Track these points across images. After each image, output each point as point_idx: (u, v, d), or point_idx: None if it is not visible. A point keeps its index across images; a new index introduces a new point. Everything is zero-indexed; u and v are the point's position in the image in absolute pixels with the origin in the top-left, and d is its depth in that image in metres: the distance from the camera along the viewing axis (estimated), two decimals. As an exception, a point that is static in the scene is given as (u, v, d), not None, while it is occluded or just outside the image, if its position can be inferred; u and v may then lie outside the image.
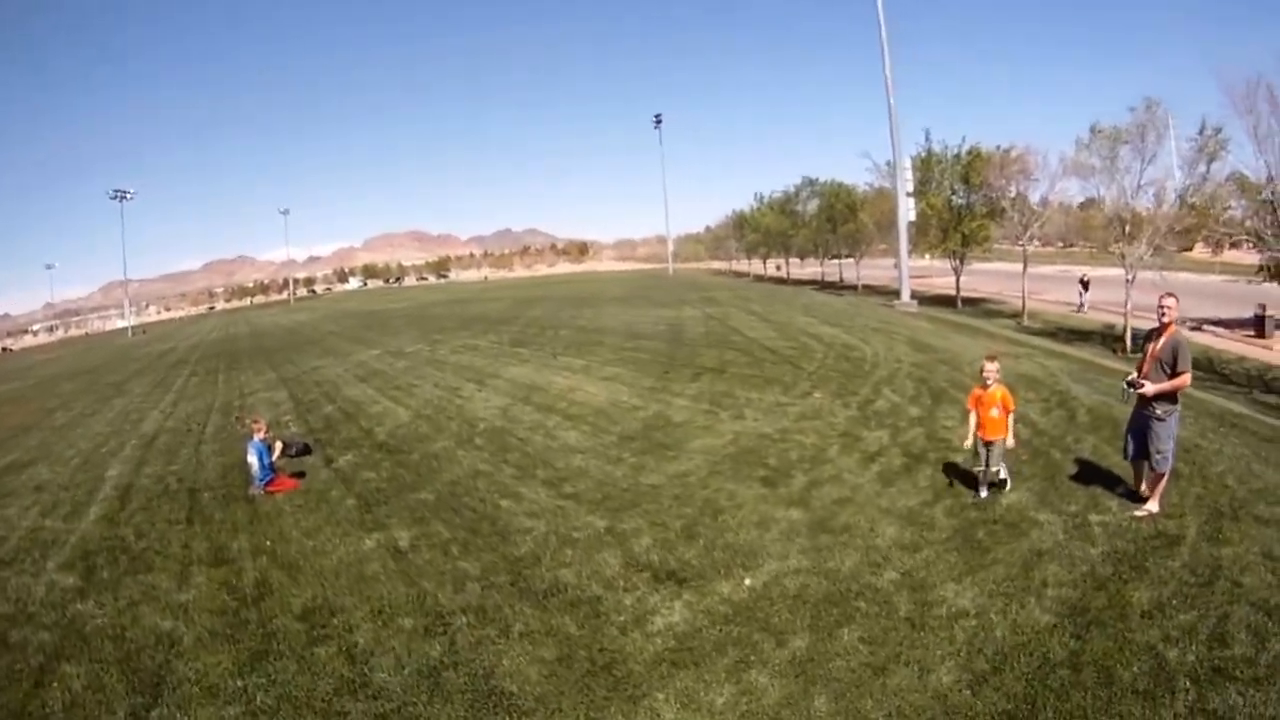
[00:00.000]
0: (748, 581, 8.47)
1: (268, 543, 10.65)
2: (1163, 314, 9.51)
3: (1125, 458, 10.23)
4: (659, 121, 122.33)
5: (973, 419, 10.44)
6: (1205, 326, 34.61)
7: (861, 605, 7.81)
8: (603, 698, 6.47)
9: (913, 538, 9.33)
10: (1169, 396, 9.48)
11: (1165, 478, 9.61)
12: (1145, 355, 9.68)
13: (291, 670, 7.18)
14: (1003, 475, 10.58)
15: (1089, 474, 11.16)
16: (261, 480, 13.02)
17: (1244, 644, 6.68)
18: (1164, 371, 9.37)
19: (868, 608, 7.74)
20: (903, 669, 6.64)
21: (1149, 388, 9.43)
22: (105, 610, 8.98)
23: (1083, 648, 6.80)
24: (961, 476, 11.12)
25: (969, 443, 10.61)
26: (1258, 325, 32.22)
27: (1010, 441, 10.40)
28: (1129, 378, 9.83)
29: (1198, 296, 40.16)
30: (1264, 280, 34.64)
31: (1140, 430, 9.68)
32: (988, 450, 10.32)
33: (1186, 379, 9.39)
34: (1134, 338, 30.00)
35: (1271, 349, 29.91)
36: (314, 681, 6.97)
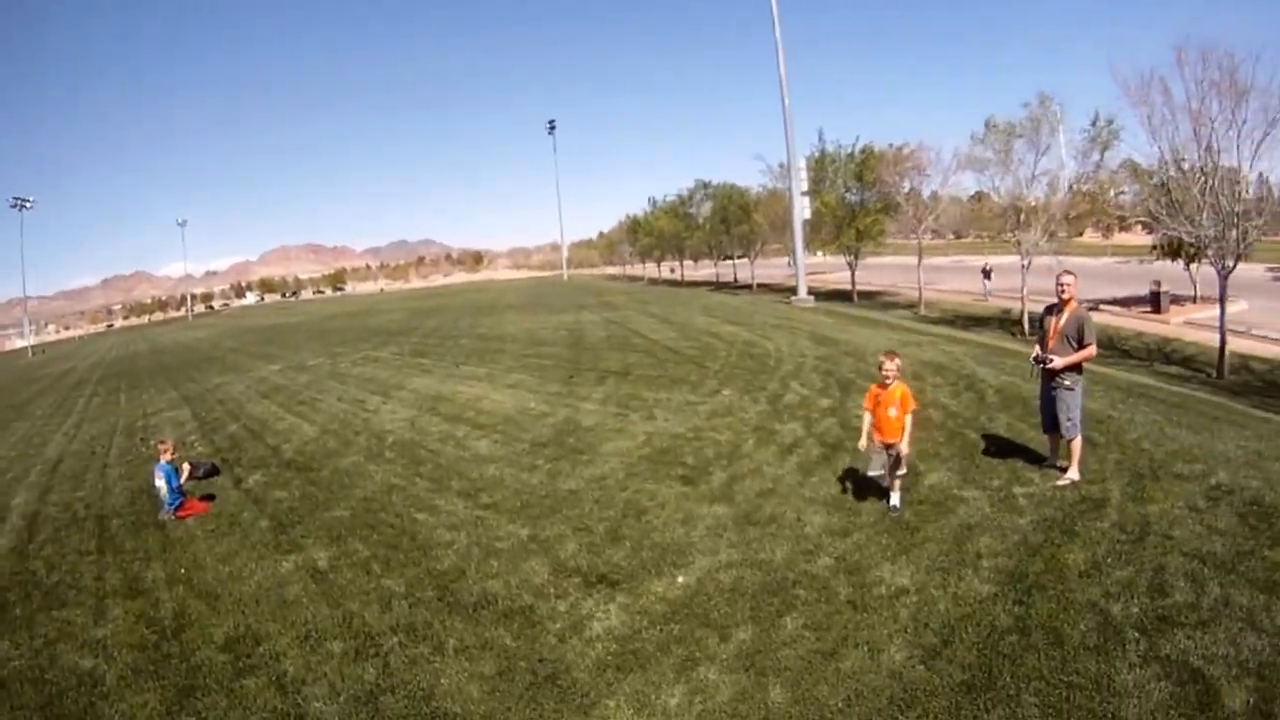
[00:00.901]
0: (681, 579, 8.40)
1: (183, 571, 10.27)
2: (1062, 290, 9.93)
3: (1044, 431, 10.64)
4: (553, 128, 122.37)
5: (867, 420, 9.85)
6: (1102, 306, 36.07)
7: (800, 593, 7.79)
8: (552, 710, 6.34)
9: (841, 523, 9.37)
10: (1075, 367, 9.90)
11: (1079, 445, 10.00)
12: (1049, 331, 10.04)
13: (222, 706, 6.89)
14: (895, 502, 9.73)
15: (1007, 450, 11.45)
16: (171, 505, 12.60)
17: (1184, 591, 6.96)
18: (1069, 345, 9.79)
19: (807, 594, 7.73)
20: (853, 651, 6.64)
21: (1057, 362, 9.81)
22: (22, 651, 8.47)
23: (1028, 612, 6.93)
24: (867, 485, 10.77)
25: (864, 443, 9.83)
26: (1153, 301, 33.88)
27: (904, 448, 9.59)
28: (1035, 354, 10.18)
29: (1092, 278, 41.64)
30: (1157, 259, 36.34)
31: (1051, 402, 10.07)
32: (887, 453, 9.65)
33: (1093, 350, 9.88)
34: (1031, 321, 31.07)
35: (1168, 323, 31.52)
36: (246, 717, 6.71)
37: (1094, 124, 31.03)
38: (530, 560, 9.33)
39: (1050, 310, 10.17)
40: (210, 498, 13.46)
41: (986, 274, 44.16)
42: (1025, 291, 31.47)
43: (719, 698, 6.24)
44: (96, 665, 7.89)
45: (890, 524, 9.26)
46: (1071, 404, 9.84)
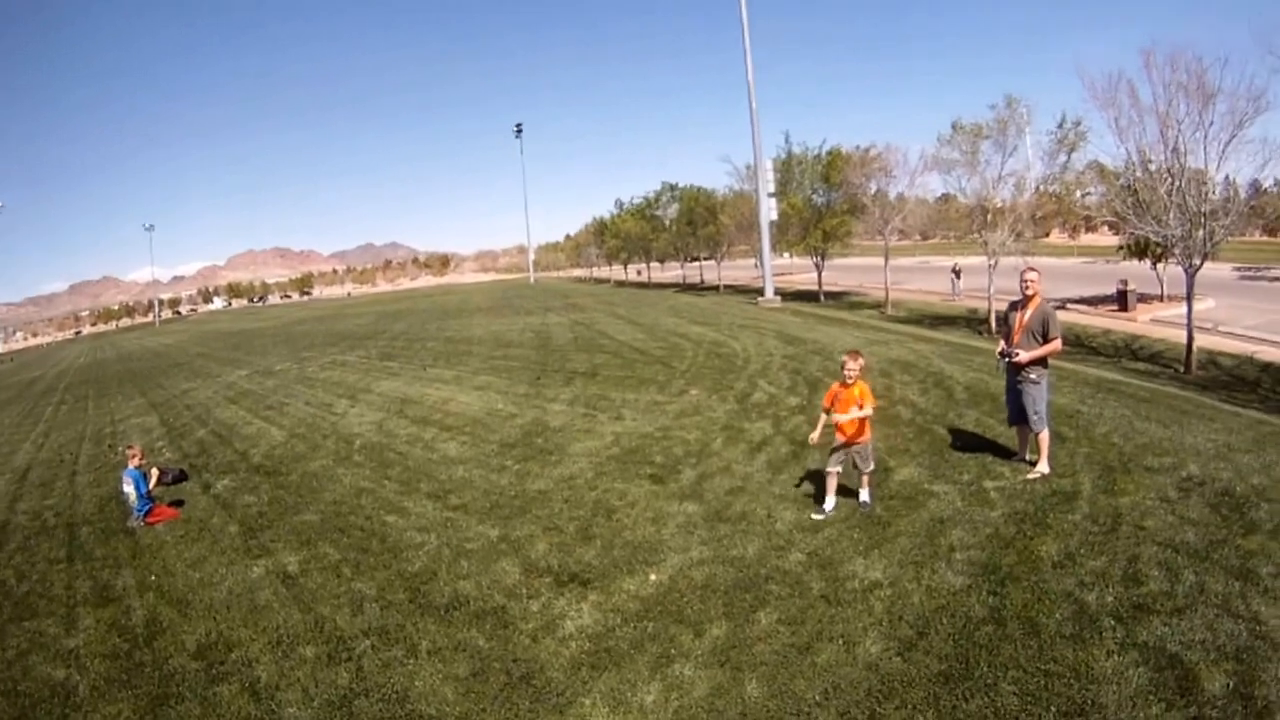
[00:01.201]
0: (653, 576, 8.39)
1: (153, 577, 10.20)
2: (1026, 286, 10.07)
3: (1010, 424, 10.78)
4: (519, 131, 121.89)
5: (823, 418, 9.75)
6: (1069, 305, 36.39)
7: (773, 588, 7.79)
8: (527, 710, 6.30)
9: (812, 519, 9.42)
10: (1040, 361, 10.04)
11: (1047, 438, 10.13)
12: (1014, 326, 10.16)
13: (196, 714, 6.80)
14: (865, 497, 9.70)
15: (976, 445, 11.56)
16: (140, 511, 12.55)
17: (1158, 580, 7.03)
18: (1035, 339, 9.94)
19: (780, 590, 7.73)
20: (828, 645, 6.65)
21: (1023, 356, 9.94)
22: (-5, 662, 8.35)
23: (1002, 603, 6.95)
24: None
25: (815, 436, 9.79)
26: (1120, 300, 34.20)
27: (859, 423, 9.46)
28: (1001, 349, 10.29)
29: (1059, 278, 42.20)
30: (1124, 259, 36.77)
31: (1017, 395, 10.19)
32: (846, 453, 9.58)
33: (1058, 344, 10.04)
34: (998, 319, 31.31)
35: (1135, 321, 31.81)
36: None
37: (1061, 126, 31.33)
38: (501, 561, 9.29)
39: (1015, 306, 10.31)
40: (179, 503, 13.42)
41: (956, 274, 44.33)
42: (993, 291, 31.65)
43: (695, 693, 6.22)
44: (69, 675, 7.80)
45: (861, 519, 9.29)
46: (1038, 397, 9.97)
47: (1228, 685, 5.50)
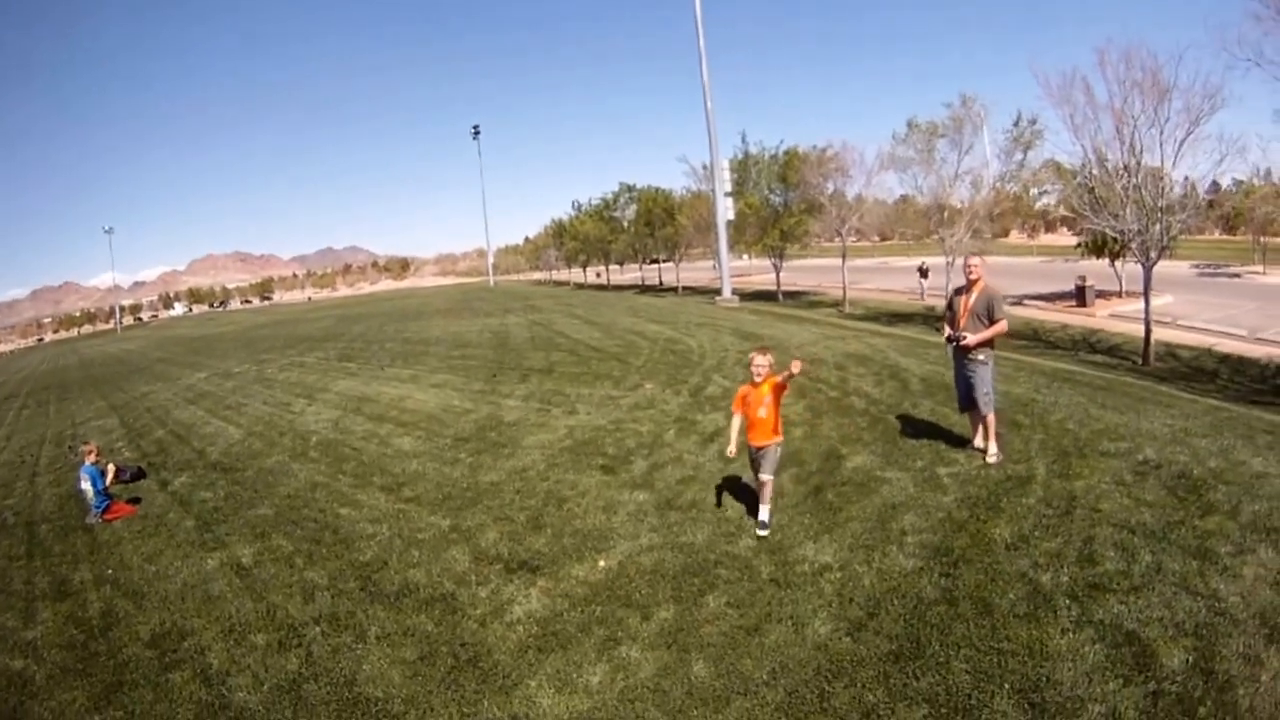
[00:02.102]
0: (602, 563, 8.44)
1: (109, 571, 10.35)
2: (970, 271, 10.15)
3: (961, 411, 10.79)
4: (477, 133, 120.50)
5: (736, 422, 9.03)
6: (1026, 301, 36.83)
7: (722, 572, 7.76)
8: (473, 691, 6.38)
9: (779, 483, 9.39)
10: (986, 343, 10.09)
11: (994, 420, 10.18)
12: (959, 311, 10.22)
13: (148, 700, 6.94)
14: (764, 516, 8.85)
15: (930, 433, 11.50)
16: (98, 508, 12.76)
17: (1115, 560, 6.99)
18: (981, 322, 9.99)
19: (729, 574, 7.71)
20: (776, 626, 6.67)
21: (971, 339, 9.99)
22: (-48, 656, 8.46)
23: (954, 584, 6.91)
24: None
25: (733, 449, 8.98)
26: (1079, 296, 34.81)
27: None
28: (948, 334, 10.37)
29: (1018, 276, 42.68)
30: (1081, 257, 37.20)
31: (965, 379, 10.24)
32: (759, 457, 8.79)
33: (1004, 325, 10.05)
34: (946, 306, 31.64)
35: (1093, 316, 32.31)
36: (172, 709, 6.75)
37: (1016, 124, 31.68)
38: (451, 549, 9.38)
39: (959, 291, 10.37)
40: (136, 500, 13.56)
41: (924, 273, 44.40)
42: (949, 291, 31.97)
43: (641, 674, 6.27)
44: (26, 666, 7.97)
45: (813, 505, 9.25)
46: (986, 378, 10.02)
47: (1187, 660, 5.48)
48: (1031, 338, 28.70)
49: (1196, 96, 22.26)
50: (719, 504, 9.67)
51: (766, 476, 8.79)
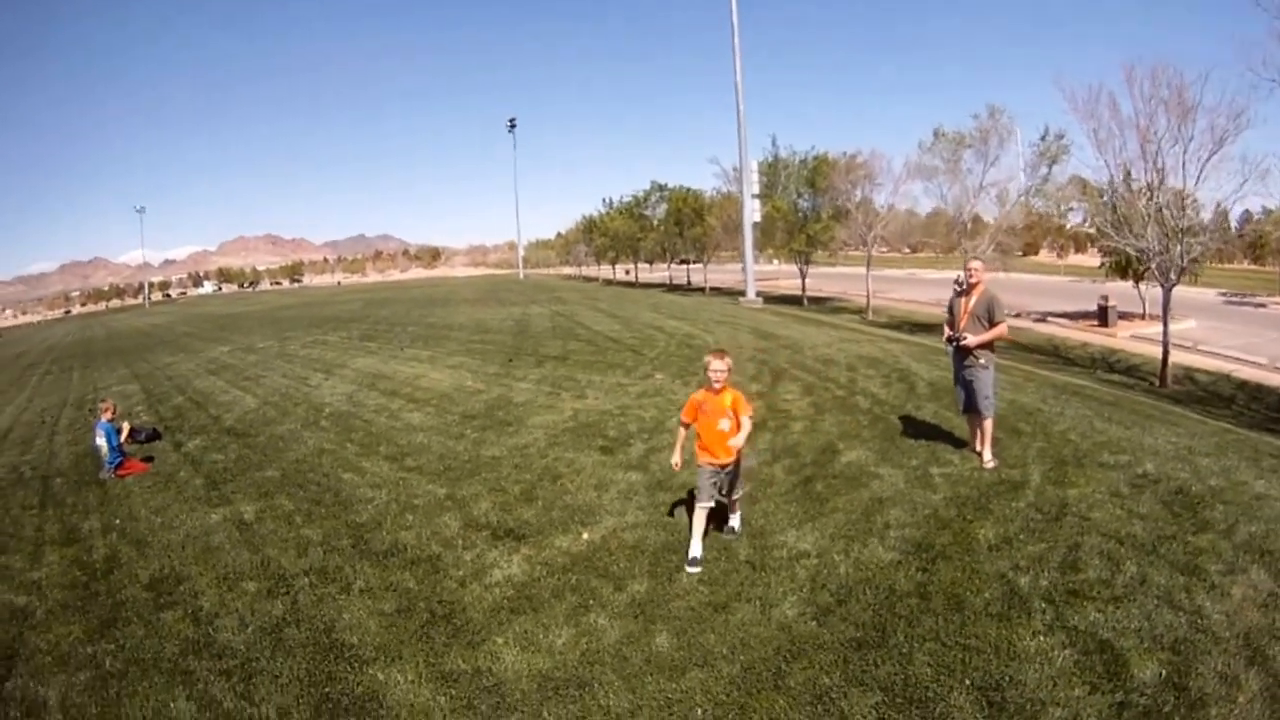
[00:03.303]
0: (585, 536, 8.57)
1: (117, 521, 10.70)
2: (970, 275, 10.17)
3: (961, 412, 10.70)
4: (513, 126, 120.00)
5: (683, 434, 8.12)
6: (1050, 318, 36.47)
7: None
8: (442, 644, 6.60)
9: (751, 492, 9.30)
10: (987, 346, 10.07)
11: (991, 426, 10.12)
12: (959, 313, 10.22)
13: (139, 635, 7.25)
14: (734, 524, 8.28)
15: (929, 434, 11.43)
16: (111, 464, 13.08)
17: (1098, 569, 6.85)
18: (981, 324, 9.97)
19: (707, 554, 7.69)
20: (745, 606, 6.70)
21: (971, 340, 9.96)
22: (-40, 593, 8.87)
23: (930, 579, 6.84)
24: (784, 457, 10.79)
25: (676, 460, 8.09)
26: (1101, 315, 34.49)
27: (743, 455, 8.09)
28: (948, 335, 10.35)
29: (1044, 294, 42.23)
30: (1106, 276, 36.80)
31: (967, 382, 10.17)
32: (720, 475, 7.77)
33: (1004, 328, 10.05)
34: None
35: (1114, 336, 31.94)
36: (161, 644, 7.04)
37: (1044, 138, 31.34)
38: (444, 515, 9.63)
39: (959, 294, 10.36)
40: (150, 459, 13.92)
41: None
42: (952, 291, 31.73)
43: (605, 640, 6.40)
44: (29, 602, 8.30)
45: (801, 495, 9.24)
46: (987, 381, 9.96)
47: (1160, 674, 5.32)
48: (1051, 353, 28.51)
49: (1221, 117, 21.97)
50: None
51: (739, 491, 8.13)
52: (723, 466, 7.70)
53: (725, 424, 7.68)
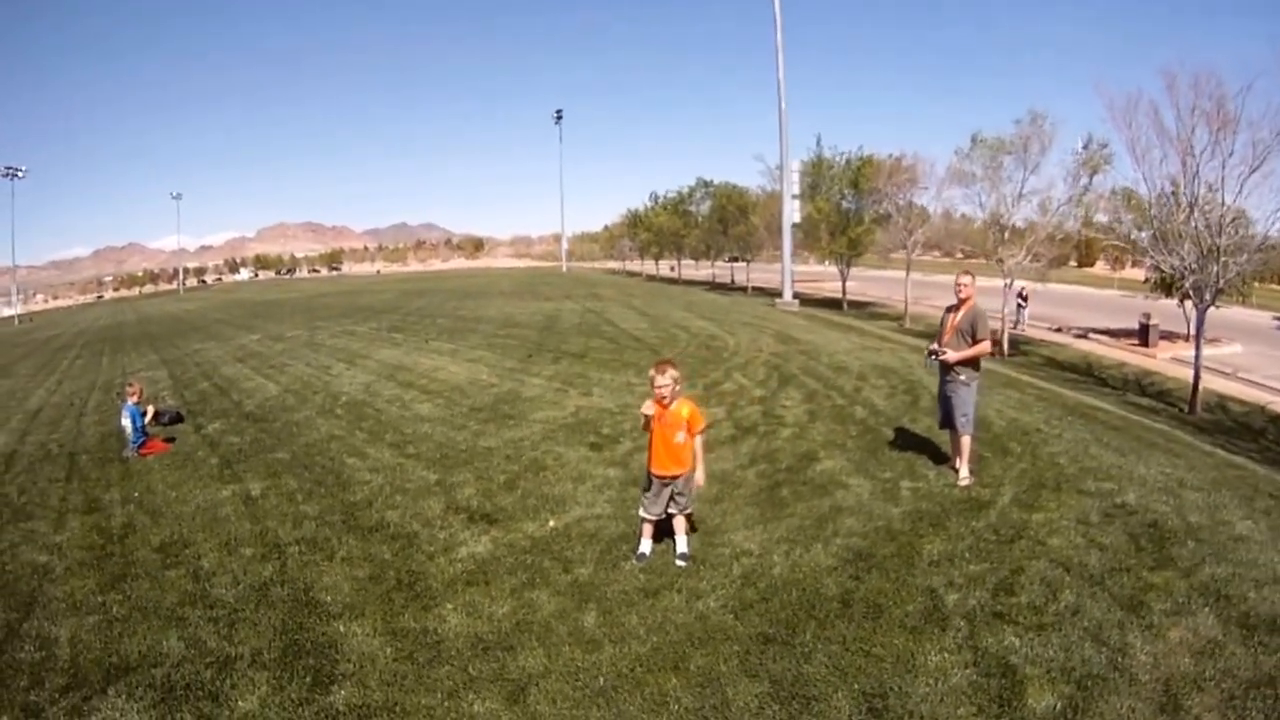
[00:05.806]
0: (551, 523, 9.38)
1: (136, 494, 11.69)
2: (960, 290, 10.43)
3: (940, 427, 10.99)
4: (560, 117, 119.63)
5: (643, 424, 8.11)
6: (1091, 335, 36.22)
7: (651, 544, 8.42)
8: (400, 606, 7.48)
9: (718, 493, 9.94)
10: (971, 364, 10.32)
11: (969, 443, 10.35)
12: (945, 327, 10.52)
13: (145, 588, 8.22)
14: (681, 549, 8.02)
15: (915, 448, 11.73)
16: (135, 443, 13.97)
17: (1033, 594, 7.03)
18: (965, 340, 10.23)
19: (656, 546, 8.29)
20: (674, 594, 7.33)
21: (950, 355, 10.25)
22: (-12, 550, 9.90)
23: (858, 586, 7.25)
24: (761, 462, 11.53)
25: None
26: (1142, 335, 34.09)
27: (699, 477, 8.13)
28: (931, 347, 10.63)
29: (1092, 309, 41.79)
30: (1150, 292, 36.29)
31: (946, 397, 10.47)
32: (665, 489, 7.87)
33: (986, 346, 10.29)
34: (1013, 342, 31.27)
35: (1154, 357, 31.64)
36: (162, 595, 8.02)
37: (1085, 146, 30.95)
38: (429, 499, 10.57)
39: (950, 309, 10.62)
40: (171, 440, 14.96)
41: (1023, 299, 39.93)
42: (1005, 313, 31.53)
43: (540, 614, 7.16)
44: (50, 560, 9.27)
45: (764, 499, 9.77)
46: (966, 398, 10.16)
47: (1055, 706, 5.41)
48: (1084, 372, 28.42)
49: (1264, 130, 21.44)
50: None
51: (687, 508, 8.09)
52: (673, 478, 7.82)
53: (681, 436, 7.79)
